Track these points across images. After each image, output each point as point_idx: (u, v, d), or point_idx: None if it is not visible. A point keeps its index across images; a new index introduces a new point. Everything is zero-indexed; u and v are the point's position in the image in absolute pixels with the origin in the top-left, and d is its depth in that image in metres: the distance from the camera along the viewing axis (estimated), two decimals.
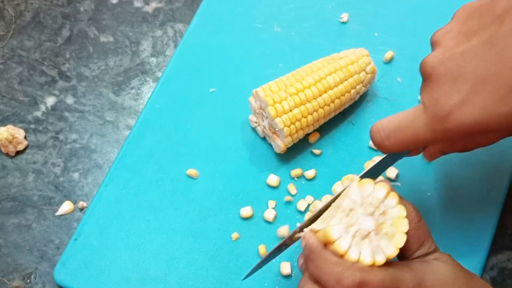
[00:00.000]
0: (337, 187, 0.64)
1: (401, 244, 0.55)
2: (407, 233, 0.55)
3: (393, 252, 0.55)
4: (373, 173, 0.66)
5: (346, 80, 0.81)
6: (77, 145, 0.90)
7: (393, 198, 0.56)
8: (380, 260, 0.54)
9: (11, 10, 1.01)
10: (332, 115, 0.84)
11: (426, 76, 0.58)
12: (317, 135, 0.85)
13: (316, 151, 0.84)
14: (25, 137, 0.90)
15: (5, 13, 1.01)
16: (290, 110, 0.78)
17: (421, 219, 0.60)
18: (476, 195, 0.80)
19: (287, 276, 0.77)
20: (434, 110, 0.56)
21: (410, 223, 0.56)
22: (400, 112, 0.61)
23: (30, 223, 0.84)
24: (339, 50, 0.86)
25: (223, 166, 0.84)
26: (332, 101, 0.81)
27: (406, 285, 0.54)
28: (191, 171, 0.83)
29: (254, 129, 0.87)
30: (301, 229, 0.63)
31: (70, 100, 0.93)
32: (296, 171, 0.83)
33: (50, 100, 0.93)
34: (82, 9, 1.01)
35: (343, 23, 0.94)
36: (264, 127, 0.82)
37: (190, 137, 0.87)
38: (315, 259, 0.56)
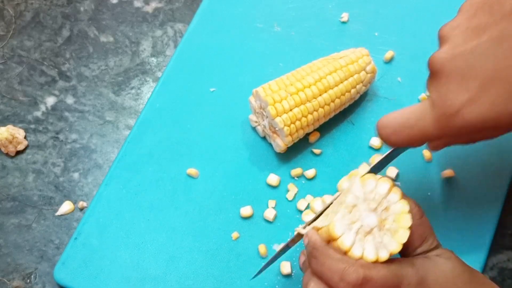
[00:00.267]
0: (343, 183, 0.65)
1: (404, 240, 0.55)
2: (410, 228, 0.56)
3: (396, 248, 0.55)
4: (379, 168, 0.67)
5: (346, 79, 0.82)
6: (77, 145, 0.90)
7: (396, 193, 0.57)
8: (384, 256, 0.55)
9: (11, 10, 1.02)
10: (332, 114, 0.85)
11: (434, 72, 0.58)
12: (317, 134, 0.86)
13: (316, 151, 0.85)
14: (25, 137, 0.91)
15: (5, 13, 1.02)
16: (290, 110, 0.79)
17: (423, 215, 0.60)
18: (476, 195, 0.81)
19: (287, 276, 0.77)
20: (443, 107, 0.57)
21: (412, 219, 0.57)
22: (406, 107, 0.62)
23: (30, 223, 0.85)
24: (339, 49, 0.87)
25: (223, 166, 0.85)
26: (332, 101, 0.82)
27: (408, 281, 0.55)
28: (191, 171, 0.84)
29: (254, 129, 0.87)
30: (304, 227, 0.64)
31: (70, 100, 0.94)
32: (296, 171, 0.83)
33: (50, 100, 0.94)
34: (82, 9, 1.02)
35: (343, 22, 0.95)
36: (264, 126, 0.83)
37: (190, 136, 0.87)
38: (318, 256, 0.57)
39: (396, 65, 0.91)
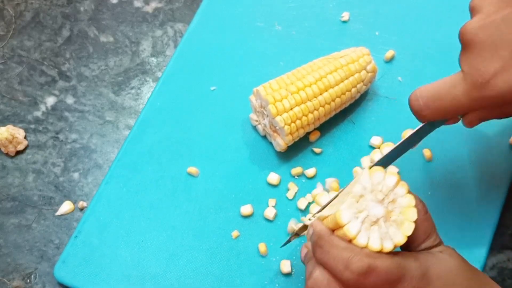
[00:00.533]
0: (364, 160, 0.65)
1: (409, 232, 0.56)
2: (415, 222, 0.56)
3: (401, 239, 0.56)
4: (411, 144, 0.67)
5: (346, 78, 0.83)
6: (77, 145, 0.91)
7: (403, 187, 0.57)
8: (388, 247, 0.55)
9: (11, 10, 1.03)
10: (333, 113, 0.86)
11: (466, 43, 0.59)
12: (318, 133, 0.87)
13: (317, 150, 0.86)
14: (25, 137, 0.92)
15: (5, 13, 1.03)
16: (291, 109, 0.80)
17: (428, 212, 0.61)
18: (476, 195, 0.82)
19: (287, 274, 0.78)
20: (474, 77, 0.58)
21: (417, 215, 0.57)
22: (438, 80, 0.62)
23: (30, 223, 0.86)
24: (340, 48, 0.88)
25: (224, 165, 0.86)
26: (333, 100, 0.82)
27: (412, 274, 0.55)
28: (192, 169, 0.85)
29: (254, 128, 0.88)
30: (309, 219, 0.66)
31: (70, 100, 0.95)
32: (296, 170, 0.84)
33: (50, 100, 0.95)
34: (82, 9, 1.03)
35: (344, 22, 0.96)
36: (265, 125, 0.84)
37: (191, 135, 0.89)
38: (323, 244, 0.58)
39: (396, 65, 0.92)
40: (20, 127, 0.93)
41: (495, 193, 0.82)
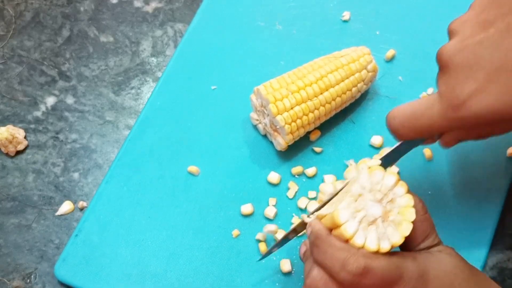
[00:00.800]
0: (349, 173, 0.66)
1: (407, 233, 0.56)
2: (413, 222, 0.57)
3: (398, 239, 0.56)
4: (388, 161, 0.68)
5: (347, 78, 0.84)
6: (77, 145, 0.92)
7: (402, 187, 0.58)
8: (385, 247, 0.56)
9: (11, 10, 1.04)
10: (333, 113, 0.86)
11: (443, 64, 0.60)
12: (318, 133, 0.88)
13: (317, 149, 0.87)
14: (25, 137, 0.93)
15: (5, 13, 1.04)
16: (291, 108, 0.80)
17: (427, 212, 0.62)
18: (477, 195, 0.82)
19: (287, 273, 0.79)
20: (450, 98, 0.59)
21: (416, 215, 0.58)
22: (416, 99, 0.64)
23: (30, 223, 0.87)
24: (341, 48, 0.89)
25: (224, 164, 0.87)
26: (333, 99, 0.83)
27: (409, 274, 0.56)
28: (192, 168, 0.86)
29: (255, 127, 0.89)
30: (309, 216, 0.66)
31: (70, 100, 0.96)
32: (297, 169, 0.85)
33: (50, 100, 0.96)
34: (82, 9, 1.04)
35: (345, 21, 0.97)
36: (265, 124, 0.85)
37: (191, 134, 0.89)
38: (320, 244, 0.58)
39: (397, 64, 0.93)
40: (20, 127, 0.94)
41: (495, 193, 0.82)
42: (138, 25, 1.02)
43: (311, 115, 0.82)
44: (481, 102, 0.57)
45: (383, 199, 0.58)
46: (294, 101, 0.80)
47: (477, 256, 0.79)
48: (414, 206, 0.58)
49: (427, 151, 0.85)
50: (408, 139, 0.66)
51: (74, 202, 0.88)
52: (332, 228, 0.59)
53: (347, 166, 0.86)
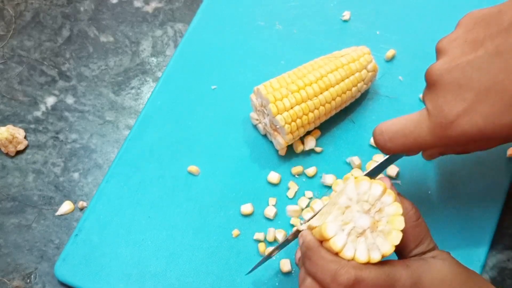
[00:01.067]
0: (337, 187, 0.66)
1: (397, 242, 0.56)
2: (403, 230, 0.57)
3: (388, 249, 0.56)
4: (375, 173, 0.70)
5: (347, 78, 0.84)
6: (77, 145, 0.93)
7: (390, 196, 0.58)
8: (376, 257, 0.56)
9: (11, 10, 1.04)
10: (333, 113, 0.87)
11: (431, 83, 0.62)
12: (318, 132, 0.88)
13: (317, 149, 0.87)
14: (25, 137, 0.93)
15: (5, 13, 1.04)
16: (291, 108, 0.81)
17: (420, 217, 0.62)
18: (476, 194, 0.83)
19: (287, 273, 0.80)
20: (438, 117, 0.60)
21: (408, 221, 0.59)
22: (403, 116, 0.65)
23: (30, 223, 0.87)
24: (341, 48, 0.89)
25: (224, 163, 0.87)
26: (333, 99, 0.84)
27: (402, 283, 0.56)
28: (192, 168, 0.87)
29: (255, 127, 0.90)
30: (302, 224, 0.66)
31: (70, 100, 0.96)
32: (297, 169, 0.86)
33: (50, 100, 0.96)
34: (82, 9, 1.04)
35: (345, 21, 0.97)
36: (265, 124, 0.85)
37: (191, 134, 0.90)
38: (311, 256, 0.59)
39: (397, 64, 0.93)
40: (20, 127, 0.94)
41: (495, 193, 0.83)
42: (138, 25, 1.03)
43: (311, 114, 0.83)
44: (469, 122, 0.58)
45: (371, 209, 0.58)
46: (294, 101, 0.81)
47: (476, 256, 0.79)
48: (406, 213, 0.59)
49: None
50: (394, 153, 0.68)
51: (74, 202, 0.89)
52: (322, 241, 0.59)
53: (347, 165, 0.86)
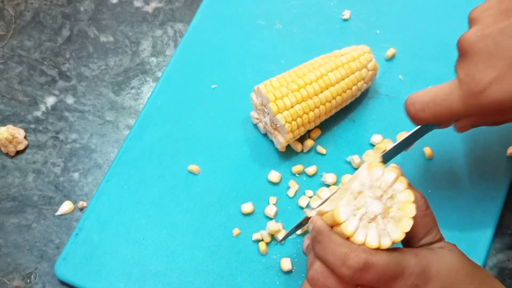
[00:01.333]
0: (368, 156, 0.66)
1: (408, 229, 0.57)
2: (414, 218, 0.57)
3: (399, 236, 0.57)
4: (404, 145, 0.70)
5: (347, 77, 0.84)
6: (77, 145, 0.93)
7: (402, 183, 0.58)
8: (386, 243, 0.57)
9: (11, 10, 1.04)
10: (334, 111, 0.87)
11: (463, 52, 0.62)
12: (318, 131, 0.88)
13: (318, 148, 0.87)
14: (25, 137, 0.93)
15: (5, 13, 1.04)
16: (292, 107, 0.81)
17: (429, 207, 0.62)
18: (476, 194, 0.83)
19: (288, 272, 0.80)
20: (470, 85, 0.60)
21: (418, 210, 0.59)
22: (434, 86, 0.65)
23: (30, 223, 0.87)
24: (341, 47, 0.89)
25: (225, 162, 0.87)
26: (334, 98, 0.84)
27: (410, 270, 0.56)
28: (193, 167, 0.87)
29: (255, 126, 0.90)
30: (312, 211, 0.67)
31: (70, 100, 0.96)
32: (297, 168, 0.86)
33: (50, 100, 0.96)
34: (82, 9, 1.04)
35: (345, 20, 0.97)
36: (266, 123, 0.85)
37: (192, 133, 0.90)
38: (321, 240, 0.59)
39: (397, 63, 0.93)
40: (20, 127, 0.94)
41: (495, 192, 0.83)
42: (138, 25, 1.03)
43: (311, 113, 0.83)
44: (501, 89, 0.58)
45: (383, 195, 0.58)
46: (294, 100, 0.81)
47: (477, 256, 0.79)
48: (416, 202, 0.59)
49: (427, 149, 0.86)
50: (425, 124, 0.67)
51: (74, 202, 0.89)
52: (333, 225, 0.59)
53: (347, 164, 0.86)
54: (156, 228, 0.84)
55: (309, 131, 0.88)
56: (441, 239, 0.63)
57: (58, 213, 0.88)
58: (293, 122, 0.81)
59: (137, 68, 0.99)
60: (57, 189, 0.90)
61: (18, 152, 0.93)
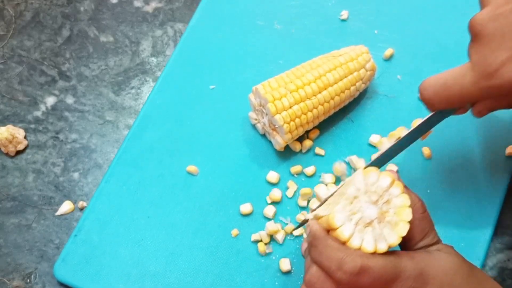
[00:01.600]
0: (385, 142, 0.66)
1: (404, 233, 0.57)
2: (410, 222, 0.57)
3: (395, 240, 0.56)
4: (420, 132, 0.69)
5: (345, 77, 0.84)
6: (77, 145, 0.92)
7: (397, 187, 0.58)
8: (382, 248, 0.56)
9: (11, 10, 1.04)
10: (332, 112, 0.87)
11: (475, 33, 0.61)
12: (317, 132, 0.88)
13: (316, 148, 0.87)
14: (25, 137, 0.93)
15: (5, 13, 1.04)
16: (290, 107, 0.80)
17: (426, 210, 0.62)
18: (476, 194, 0.82)
19: (287, 272, 0.79)
20: (482, 66, 0.60)
21: (414, 214, 0.58)
22: (447, 70, 0.64)
23: (30, 223, 0.87)
24: (339, 47, 0.89)
25: (223, 163, 0.87)
26: (332, 98, 0.83)
27: (407, 273, 0.56)
28: (191, 168, 0.86)
29: (254, 126, 0.89)
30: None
31: (70, 100, 0.96)
32: (296, 168, 0.85)
33: (50, 100, 0.96)
34: (82, 9, 1.04)
35: (343, 20, 0.97)
36: (264, 124, 0.85)
37: (191, 133, 0.90)
38: (317, 244, 0.59)
39: (395, 63, 0.93)
40: (20, 127, 0.94)
41: (494, 192, 0.83)
42: (138, 25, 1.03)
43: (309, 114, 0.82)
44: None
45: (378, 200, 0.58)
46: (292, 100, 0.81)
47: (476, 256, 0.79)
48: (412, 205, 0.58)
49: (426, 150, 0.85)
50: (440, 109, 0.67)
51: (74, 202, 0.88)
52: (329, 230, 0.59)
53: (346, 164, 0.86)
54: (155, 228, 0.83)
55: (307, 132, 0.87)
56: (438, 241, 0.62)
57: (58, 213, 0.88)
58: (292, 123, 0.81)
59: (137, 68, 0.99)
60: (57, 189, 0.89)
61: (18, 152, 0.92)
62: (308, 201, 0.83)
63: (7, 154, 0.92)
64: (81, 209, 0.88)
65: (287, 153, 0.87)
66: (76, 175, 0.91)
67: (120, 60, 1.00)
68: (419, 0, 0.98)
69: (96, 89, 0.97)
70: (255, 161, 0.87)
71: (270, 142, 0.88)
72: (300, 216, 0.68)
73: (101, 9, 1.04)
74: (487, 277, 0.62)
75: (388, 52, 0.93)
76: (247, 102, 0.88)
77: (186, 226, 0.83)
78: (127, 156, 0.89)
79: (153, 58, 0.99)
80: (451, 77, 0.63)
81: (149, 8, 1.04)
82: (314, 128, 0.87)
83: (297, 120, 0.81)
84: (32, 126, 0.94)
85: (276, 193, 0.83)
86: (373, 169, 0.59)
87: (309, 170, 0.85)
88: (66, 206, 0.88)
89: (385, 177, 0.58)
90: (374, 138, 0.87)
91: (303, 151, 0.87)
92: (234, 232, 0.82)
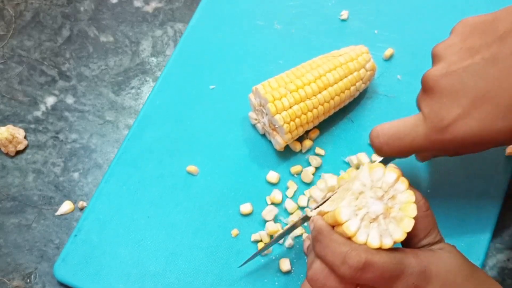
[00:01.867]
0: (351, 173, 0.66)
1: (409, 229, 0.57)
2: (415, 218, 0.57)
3: (400, 236, 0.57)
4: None
5: (345, 77, 0.83)
6: (77, 145, 0.92)
7: (403, 183, 0.58)
8: (388, 243, 0.56)
9: (11, 10, 1.04)
10: (332, 112, 0.86)
11: (428, 88, 0.63)
12: (317, 132, 0.87)
13: (316, 148, 0.87)
14: (25, 137, 0.93)
15: (5, 13, 1.04)
16: (290, 107, 0.80)
17: (429, 208, 0.62)
18: (475, 194, 0.82)
19: (287, 273, 0.79)
20: (434, 121, 0.61)
21: (418, 211, 0.58)
22: (398, 119, 0.65)
23: (30, 223, 0.87)
24: (339, 47, 0.88)
25: (223, 163, 0.87)
26: (332, 98, 0.83)
27: (411, 270, 0.56)
28: (191, 168, 0.86)
29: (254, 126, 0.89)
30: (312, 211, 0.66)
31: (70, 100, 0.96)
32: (295, 168, 0.85)
33: (50, 100, 0.96)
34: (82, 9, 1.04)
35: (343, 20, 0.96)
36: (264, 124, 0.85)
37: (190, 133, 0.89)
38: (322, 239, 0.59)
39: (395, 63, 0.93)
40: (20, 127, 0.93)
41: (494, 192, 0.82)
42: (138, 25, 1.02)
43: (309, 114, 0.82)
44: (464, 127, 0.60)
45: (384, 196, 0.58)
46: (292, 100, 0.80)
47: (476, 255, 0.78)
48: (416, 202, 0.58)
49: None
50: (390, 156, 0.68)
51: (74, 202, 0.88)
52: (334, 225, 0.59)
53: (346, 164, 0.86)
54: (155, 228, 0.83)
55: (307, 132, 0.87)
56: (441, 240, 0.62)
57: (58, 213, 0.87)
58: (292, 123, 0.81)
59: (137, 68, 0.98)
60: (57, 189, 0.89)
61: (18, 152, 0.92)
62: (308, 203, 0.83)
63: (7, 154, 0.92)
64: (81, 209, 0.87)
65: (287, 153, 0.87)
66: (76, 175, 0.90)
67: (120, 60, 0.99)
68: (419, 0, 0.98)
69: (96, 89, 0.97)
70: (255, 161, 0.87)
71: (270, 142, 0.88)
72: (307, 211, 0.68)
73: (101, 9, 1.04)
74: (489, 277, 0.62)
75: (388, 52, 0.92)
76: (247, 102, 0.87)
77: (186, 226, 0.83)
78: (127, 156, 0.88)
79: (153, 58, 0.99)
80: (403, 127, 0.65)
81: (149, 8, 1.04)
82: (314, 128, 0.87)
83: (297, 120, 0.81)
84: (32, 126, 0.94)
85: (276, 196, 0.83)
86: (378, 164, 0.59)
87: (309, 170, 0.85)
88: (66, 206, 0.88)
89: (391, 172, 0.58)
90: None
91: (303, 151, 0.87)
92: (234, 232, 0.82)
